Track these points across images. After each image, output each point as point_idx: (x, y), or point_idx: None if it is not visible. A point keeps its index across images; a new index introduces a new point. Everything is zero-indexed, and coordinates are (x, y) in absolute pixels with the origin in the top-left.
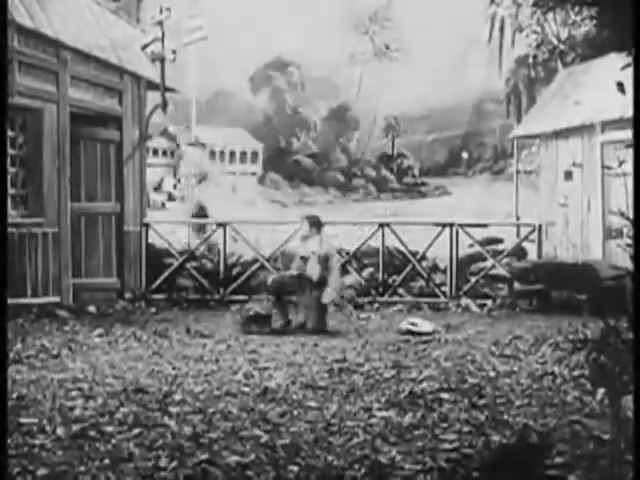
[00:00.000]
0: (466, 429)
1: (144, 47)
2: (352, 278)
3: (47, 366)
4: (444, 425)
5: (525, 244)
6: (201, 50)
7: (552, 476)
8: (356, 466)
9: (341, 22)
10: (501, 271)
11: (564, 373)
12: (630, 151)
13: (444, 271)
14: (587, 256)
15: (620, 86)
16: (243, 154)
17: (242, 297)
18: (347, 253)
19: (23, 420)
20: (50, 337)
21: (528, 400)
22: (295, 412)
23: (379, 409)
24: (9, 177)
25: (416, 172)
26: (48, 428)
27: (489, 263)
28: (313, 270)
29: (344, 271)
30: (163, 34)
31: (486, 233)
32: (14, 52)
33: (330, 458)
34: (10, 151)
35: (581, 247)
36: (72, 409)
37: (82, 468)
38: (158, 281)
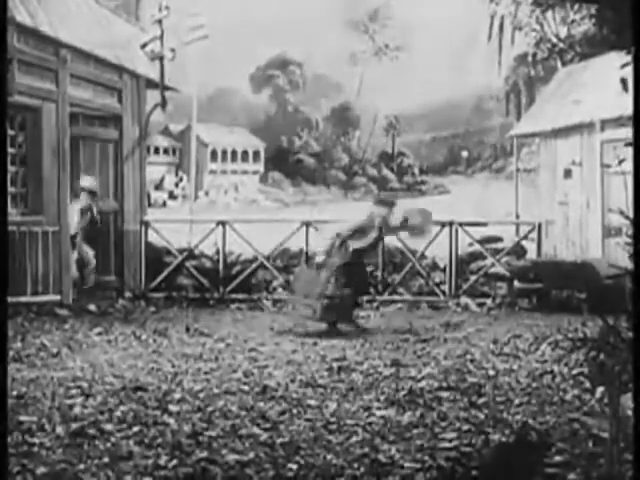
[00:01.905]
0: (465, 428)
1: (143, 46)
2: None
3: (47, 365)
4: (443, 424)
5: (525, 243)
6: (202, 48)
7: (551, 474)
8: (355, 465)
9: (341, 21)
10: (500, 270)
11: (563, 372)
12: (629, 149)
13: (443, 270)
14: (586, 255)
15: (623, 83)
16: (245, 153)
17: (242, 296)
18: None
19: (23, 418)
20: (50, 336)
21: (527, 398)
22: (294, 410)
23: (378, 408)
24: (9, 176)
25: (416, 171)
26: (48, 426)
27: (488, 262)
28: None
29: None
30: (162, 33)
31: (486, 232)
32: (14, 50)
33: (329, 456)
34: (10, 150)
35: (580, 245)
36: (72, 407)
37: (82, 466)
38: (157, 280)
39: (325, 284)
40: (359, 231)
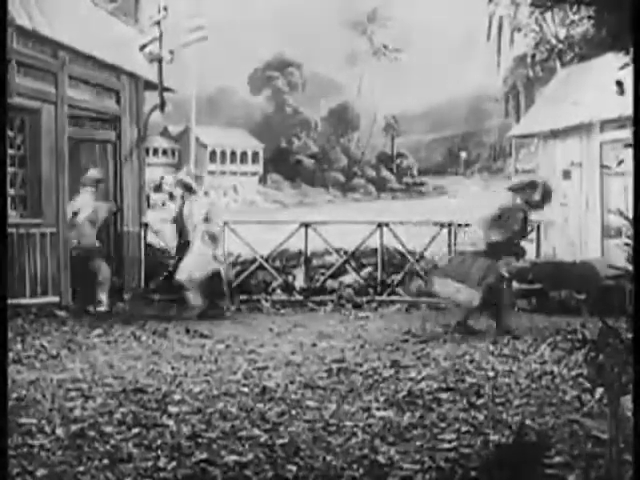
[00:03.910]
0: (465, 429)
1: (142, 47)
2: (351, 277)
3: (46, 366)
4: (443, 425)
5: (523, 243)
6: (201, 50)
7: (551, 475)
8: (355, 466)
9: (340, 22)
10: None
11: (563, 372)
12: (629, 151)
13: None
14: (586, 255)
15: (619, 85)
16: (244, 154)
17: (241, 297)
18: (346, 253)
19: (22, 420)
20: (49, 337)
21: (527, 399)
22: (294, 412)
23: (378, 409)
24: (8, 177)
25: (415, 172)
26: (47, 428)
27: None
28: None
29: (343, 270)
30: (161, 34)
31: None
32: (13, 52)
33: (329, 458)
34: (9, 151)
35: (580, 246)
36: (71, 409)
37: (81, 468)
38: (157, 281)
39: (486, 271)
40: (497, 221)
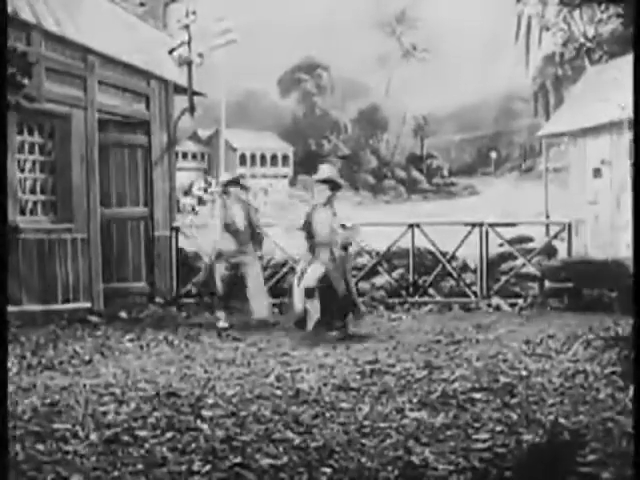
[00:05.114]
0: (499, 428)
1: (171, 51)
2: (383, 279)
3: (79, 372)
4: (477, 425)
5: (555, 242)
6: (230, 53)
7: (585, 473)
8: (389, 467)
9: (368, 23)
10: (531, 270)
11: (596, 371)
12: None
13: (474, 271)
14: (617, 253)
15: None
16: (274, 157)
17: (273, 300)
18: (377, 254)
19: (56, 426)
20: (82, 343)
21: (560, 398)
22: (327, 414)
23: (411, 410)
24: (39, 183)
25: (445, 172)
26: (81, 434)
27: (519, 262)
28: None
29: (375, 272)
30: (190, 38)
31: (516, 232)
32: (41, 57)
33: (363, 460)
34: (39, 157)
35: (611, 244)
36: (105, 414)
37: (116, 473)
38: (189, 285)
39: None
40: None
